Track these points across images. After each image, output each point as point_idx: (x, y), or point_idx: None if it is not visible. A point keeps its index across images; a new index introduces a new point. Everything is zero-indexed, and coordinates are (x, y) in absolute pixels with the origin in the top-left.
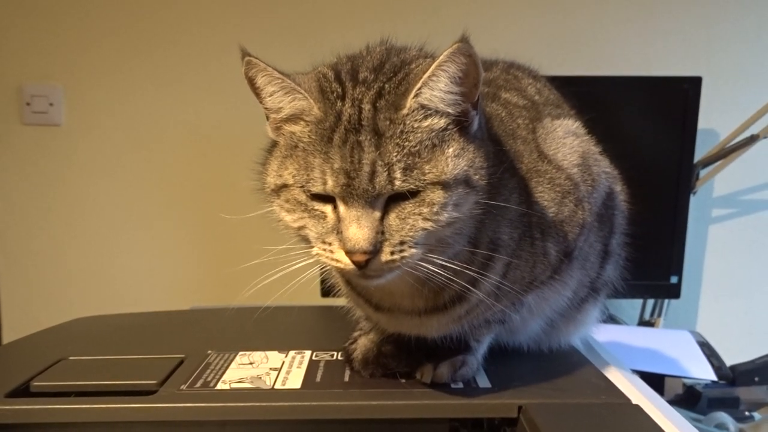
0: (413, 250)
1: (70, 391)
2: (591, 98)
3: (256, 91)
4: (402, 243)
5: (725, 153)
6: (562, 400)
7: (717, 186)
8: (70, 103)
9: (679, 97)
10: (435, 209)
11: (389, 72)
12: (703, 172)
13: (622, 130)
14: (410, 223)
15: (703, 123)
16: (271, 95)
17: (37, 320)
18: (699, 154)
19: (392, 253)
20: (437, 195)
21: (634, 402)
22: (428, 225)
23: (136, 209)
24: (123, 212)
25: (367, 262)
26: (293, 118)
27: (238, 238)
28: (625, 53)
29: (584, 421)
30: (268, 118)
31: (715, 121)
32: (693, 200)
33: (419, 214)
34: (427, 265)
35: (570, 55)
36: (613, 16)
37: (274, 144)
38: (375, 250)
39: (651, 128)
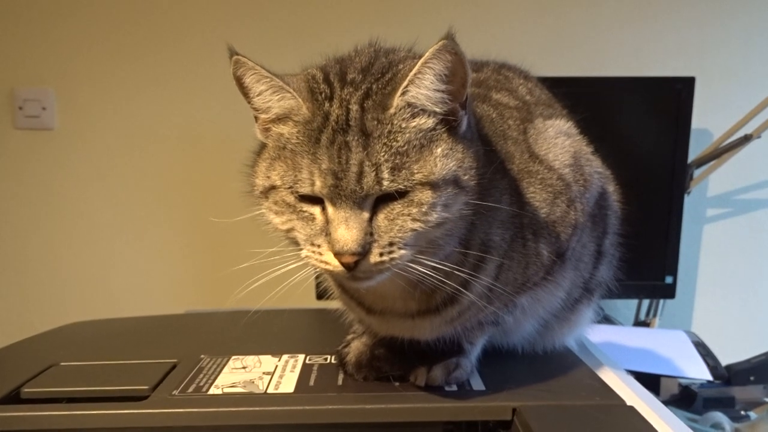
0: (402, 252)
1: (61, 398)
2: (584, 99)
3: (245, 91)
4: (391, 244)
5: (719, 153)
6: (557, 402)
7: (711, 186)
8: (62, 107)
9: (672, 98)
10: (424, 209)
11: (377, 73)
12: (697, 172)
13: (616, 130)
14: (399, 223)
15: (696, 123)
16: (259, 95)
17: (31, 325)
18: (693, 154)
19: (381, 254)
20: (426, 195)
21: (628, 403)
22: (417, 225)
23: (130, 213)
24: (117, 216)
25: (356, 263)
26: (282, 119)
27: (233, 242)
28: (618, 54)
29: (579, 423)
30: (256, 119)
31: (708, 121)
32: (687, 200)
33: (408, 215)
34: (418, 267)
35: (563, 55)
36: (605, 17)
37: (263, 146)
38: (364, 251)
39: (644, 129)
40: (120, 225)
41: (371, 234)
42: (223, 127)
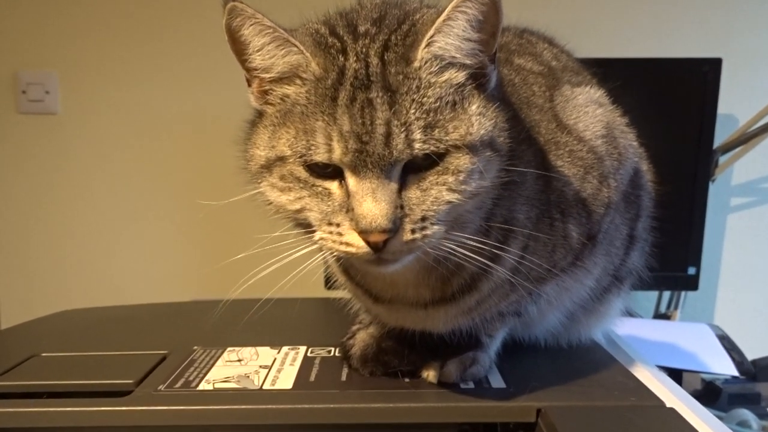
0: (436, 228)
1: (38, 392)
2: (607, 81)
3: (240, 47)
4: (424, 219)
5: (745, 139)
6: (587, 403)
7: (736, 173)
8: (66, 91)
9: (697, 80)
10: (461, 177)
11: (392, 24)
12: (722, 159)
13: (639, 114)
14: (433, 194)
15: (722, 108)
16: (259, 49)
17: (35, 313)
18: (718, 140)
19: (413, 231)
20: (463, 161)
21: (668, 405)
22: (454, 197)
23: (135, 199)
24: (121, 202)
25: (384, 243)
26: (286, 78)
27: (241, 228)
28: (641, 34)
29: (613, 426)
30: (250, 83)
31: (734, 106)
32: (711, 188)
33: (443, 184)
34: (449, 245)
35: (586, 36)
36: None
37: (260, 114)
38: (395, 227)
39: (668, 112)
40: (124, 211)
41: (401, 207)
42: (231, 112)
